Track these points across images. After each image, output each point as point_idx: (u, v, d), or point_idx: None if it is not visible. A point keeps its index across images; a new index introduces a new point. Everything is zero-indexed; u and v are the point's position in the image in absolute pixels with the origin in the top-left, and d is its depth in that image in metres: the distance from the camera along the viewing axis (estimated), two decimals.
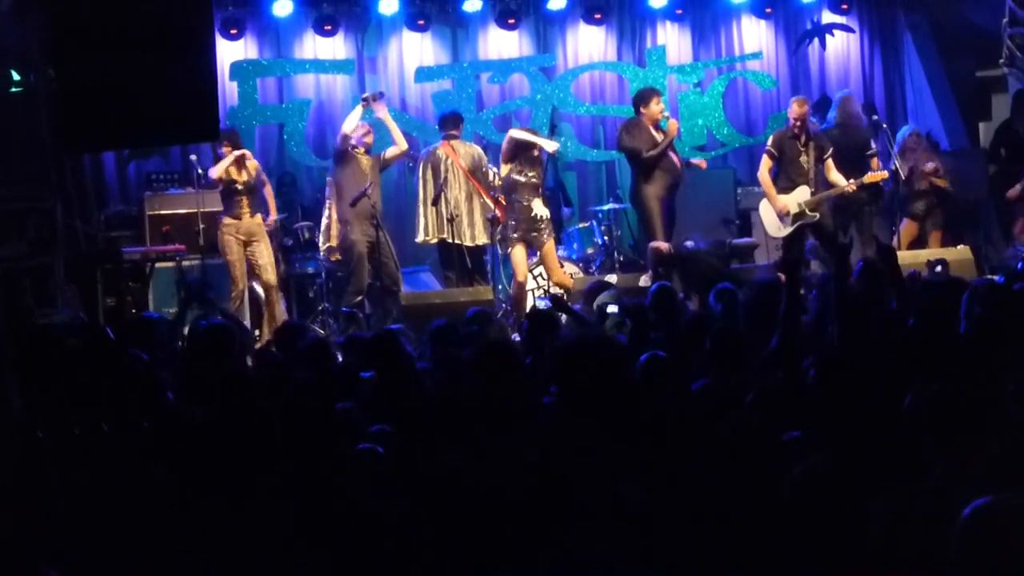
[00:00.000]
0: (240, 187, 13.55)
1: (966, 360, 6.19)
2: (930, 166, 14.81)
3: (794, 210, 13.64)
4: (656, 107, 13.87)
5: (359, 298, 13.73)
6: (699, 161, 15.31)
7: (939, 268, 11.81)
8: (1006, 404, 4.94)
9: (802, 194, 13.66)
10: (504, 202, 13.70)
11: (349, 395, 6.83)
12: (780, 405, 5.59)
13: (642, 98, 14.12)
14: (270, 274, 13.73)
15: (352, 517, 4.69)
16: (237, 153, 13.49)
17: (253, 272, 13.67)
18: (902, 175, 14.20)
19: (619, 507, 4.24)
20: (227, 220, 13.61)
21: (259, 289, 13.93)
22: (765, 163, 13.93)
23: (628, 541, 4.13)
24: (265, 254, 13.73)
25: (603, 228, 14.73)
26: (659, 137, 13.78)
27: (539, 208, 13.45)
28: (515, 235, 13.40)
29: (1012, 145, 15.91)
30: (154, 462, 5.35)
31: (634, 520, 4.19)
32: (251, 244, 13.61)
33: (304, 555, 4.53)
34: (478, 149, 14.62)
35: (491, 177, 14.38)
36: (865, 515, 4.13)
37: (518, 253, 13.43)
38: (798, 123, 13.78)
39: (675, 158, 13.98)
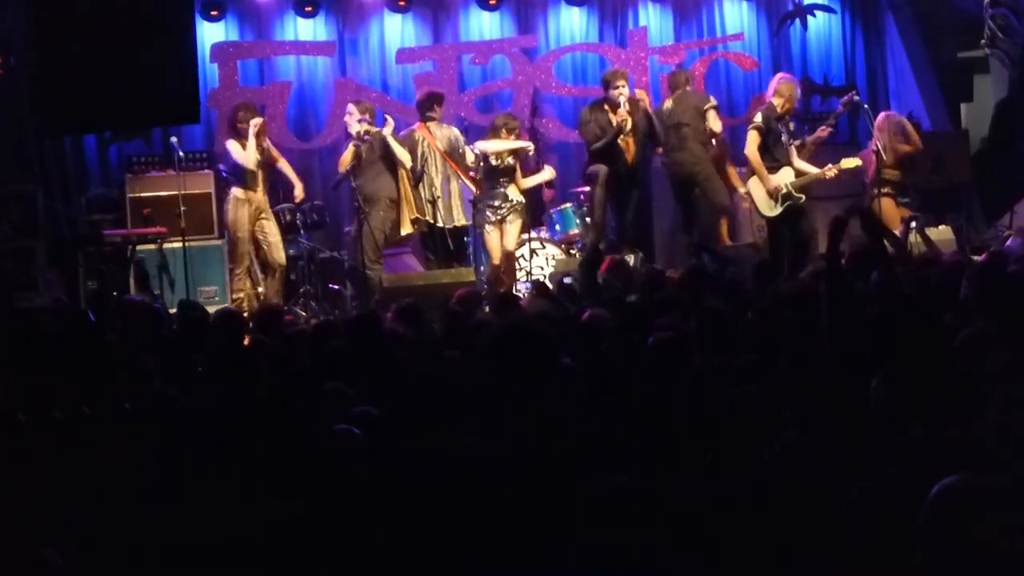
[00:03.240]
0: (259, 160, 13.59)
1: (946, 340, 6.22)
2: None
3: (783, 190, 13.62)
4: (614, 92, 13.90)
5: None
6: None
7: (914, 224, 11.80)
8: (985, 384, 4.95)
9: (787, 175, 13.62)
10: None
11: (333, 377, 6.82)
12: (768, 387, 5.61)
13: (605, 81, 14.18)
14: (280, 252, 13.75)
15: (342, 498, 4.70)
16: (256, 121, 13.70)
17: (259, 251, 13.71)
18: (884, 156, 14.14)
19: (600, 493, 4.25)
20: (240, 194, 13.61)
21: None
22: (755, 140, 13.67)
23: (610, 527, 4.14)
24: (275, 231, 13.76)
25: (584, 209, 14.71)
26: (616, 123, 13.86)
27: (513, 193, 13.87)
28: (490, 220, 13.75)
29: None
30: (136, 445, 5.35)
31: (614, 506, 4.20)
32: (260, 220, 13.64)
33: (294, 538, 4.53)
34: (455, 131, 14.61)
35: (469, 159, 14.41)
36: (842, 495, 4.14)
37: (492, 238, 13.70)
38: (788, 104, 13.74)
39: (627, 147, 13.98)
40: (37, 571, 3.39)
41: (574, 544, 4.00)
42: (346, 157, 13.79)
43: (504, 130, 13.88)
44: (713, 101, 14.18)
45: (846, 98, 14.30)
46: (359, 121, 13.65)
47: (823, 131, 14.04)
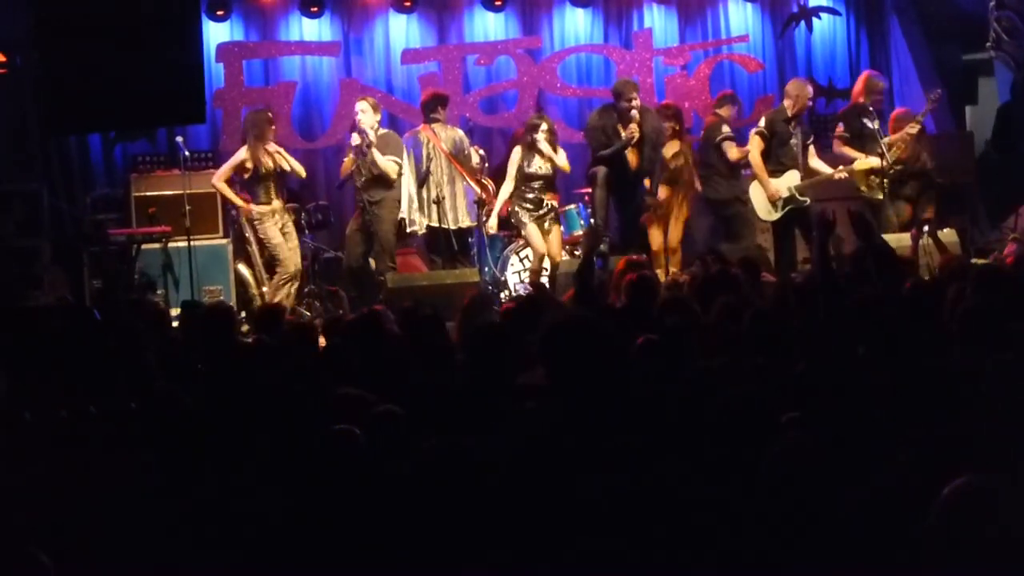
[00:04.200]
0: (266, 172, 13.57)
1: (945, 340, 6.23)
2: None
3: (784, 194, 13.60)
4: (626, 104, 13.73)
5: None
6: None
7: (926, 228, 11.79)
8: (985, 384, 4.97)
9: (792, 178, 13.60)
10: (492, 186, 13.95)
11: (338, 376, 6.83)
12: (770, 387, 5.62)
13: (616, 93, 14.00)
14: (297, 257, 13.71)
15: (338, 498, 4.71)
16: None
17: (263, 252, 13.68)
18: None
19: (604, 494, 4.26)
20: (261, 209, 13.56)
21: (245, 272, 13.95)
22: (757, 145, 13.71)
23: (610, 527, 4.15)
24: (294, 238, 13.72)
25: (589, 211, 14.72)
26: (623, 134, 13.74)
27: (550, 200, 13.81)
28: (531, 217, 13.70)
29: None
30: (142, 444, 5.36)
31: (622, 506, 4.21)
32: (285, 227, 13.63)
33: (292, 535, 4.54)
34: (459, 132, 14.58)
35: (475, 160, 14.40)
36: (843, 495, 4.15)
37: (533, 230, 13.71)
38: (798, 105, 13.70)
39: (632, 159, 13.89)
40: (31, 572, 3.41)
41: (575, 545, 4.01)
42: (347, 164, 13.83)
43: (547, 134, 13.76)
44: (724, 131, 14.16)
45: (933, 95, 14.18)
46: (361, 133, 13.62)
47: (912, 128, 13.91)
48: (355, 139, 13.60)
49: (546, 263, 13.80)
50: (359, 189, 13.77)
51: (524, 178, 13.62)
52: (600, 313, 7.93)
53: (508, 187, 13.74)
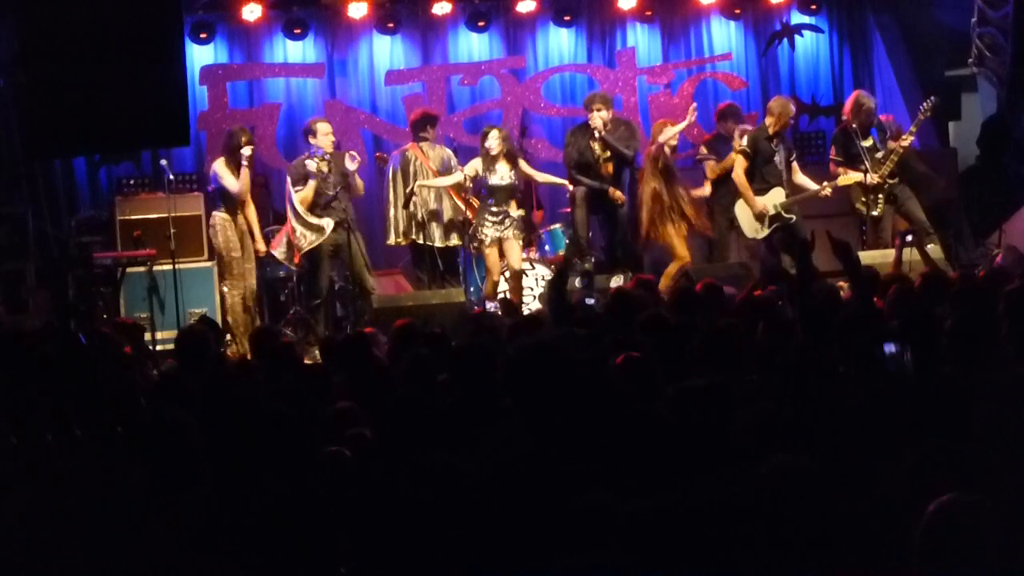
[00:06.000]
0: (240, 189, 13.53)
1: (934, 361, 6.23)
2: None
3: (770, 212, 13.62)
4: (596, 114, 13.78)
5: (316, 302, 13.65)
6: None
7: (909, 237, 11.79)
8: (979, 403, 4.97)
9: (777, 196, 13.62)
10: (476, 205, 13.92)
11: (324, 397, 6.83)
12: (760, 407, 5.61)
13: (585, 105, 14.12)
14: (253, 277, 13.62)
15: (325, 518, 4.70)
16: (247, 152, 13.40)
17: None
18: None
19: (587, 513, 4.25)
20: (224, 216, 13.44)
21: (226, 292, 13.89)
22: (740, 163, 13.73)
23: (598, 545, 4.14)
24: (255, 256, 13.62)
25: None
26: (596, 147, 13.79)
27: (514, 210, 13.69)
28: (491, 236, 13.58)
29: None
30: (128, 466, 5.34)
31: (602, 525, 4.20)
32: (243, 242, 13.52)
33: (282, 557, 4.53)
34: (447, 151, 14.63)
35: (462, 179, 14.41)
36: (832, 514, 4.15)
37: (492, 255, 13.61)
38: (780, 122, 13.72)
39: (608, 170, 13.90)
40: None
41: (560, 563, 4.00)
42: (307, 195, 13.50)
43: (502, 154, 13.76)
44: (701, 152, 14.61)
45: (926, 104, 14.08)
46: (311, 158, 13.54)
47: (905, 139, 13.88)
48: (351, 163, 13.55)
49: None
50: (344, 210, 13.62)
51: (491, 191, 13.57)
52: (573, 329, 7.93)
53: (443, 182, 13.91)
